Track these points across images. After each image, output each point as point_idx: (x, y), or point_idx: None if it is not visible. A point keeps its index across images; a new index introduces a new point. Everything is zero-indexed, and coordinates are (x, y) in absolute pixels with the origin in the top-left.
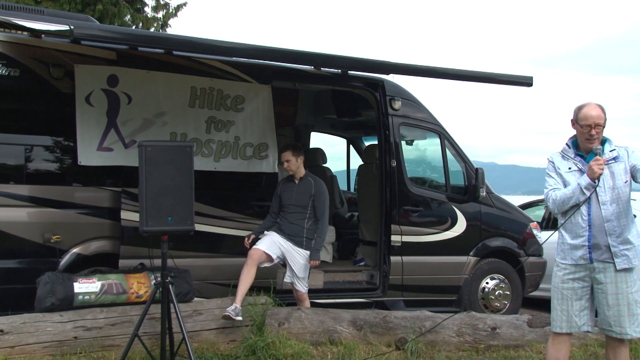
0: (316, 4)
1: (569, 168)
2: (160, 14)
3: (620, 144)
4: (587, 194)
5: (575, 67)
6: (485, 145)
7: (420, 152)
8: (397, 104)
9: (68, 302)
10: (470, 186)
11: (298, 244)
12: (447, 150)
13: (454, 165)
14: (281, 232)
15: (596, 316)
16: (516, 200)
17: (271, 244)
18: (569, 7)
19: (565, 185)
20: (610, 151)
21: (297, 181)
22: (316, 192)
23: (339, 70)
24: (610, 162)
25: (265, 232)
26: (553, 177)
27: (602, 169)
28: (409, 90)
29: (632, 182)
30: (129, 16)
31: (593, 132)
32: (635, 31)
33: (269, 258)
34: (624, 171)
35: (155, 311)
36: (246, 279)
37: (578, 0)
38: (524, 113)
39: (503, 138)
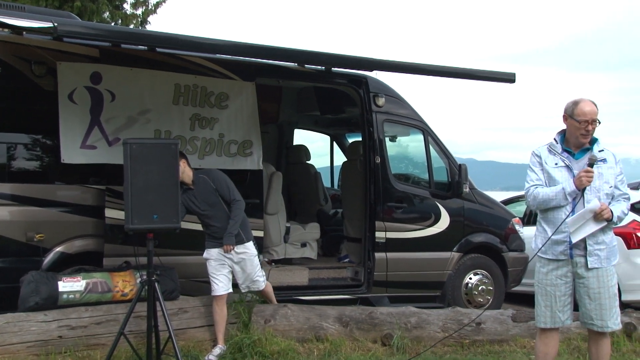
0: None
1: (556, 163)
2: (139, 11)
3: (604, 146)
4: (570, 200)
5: (551, 63)
6: (465, 142)
7: (404, 148)
8: (381, 101)
9: (52, 301)
10: (453, 182)
11: (238, 242)
12: (430, 146)
13: (437, 161)
14: (214, 241)
15: (576, 310)
16: (494, 196)
17: (224, 277)
18: (543, 3)
19: (549, 181)
20: (600, 151)
21: (192, 186)
22: (215, 182)
23: (323, 67)
24: (599, 162)
25: (207, 256)
26: (536, 172)
27: (591, 182)
28: (392, 87)
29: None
30: (107, 13)
31: (590, 127)
32: (610, 28)
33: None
34: (613, 176)
35: (140, 309)
36: (221, 318)
37: None
38: (502, 110)
39: (481, 134)
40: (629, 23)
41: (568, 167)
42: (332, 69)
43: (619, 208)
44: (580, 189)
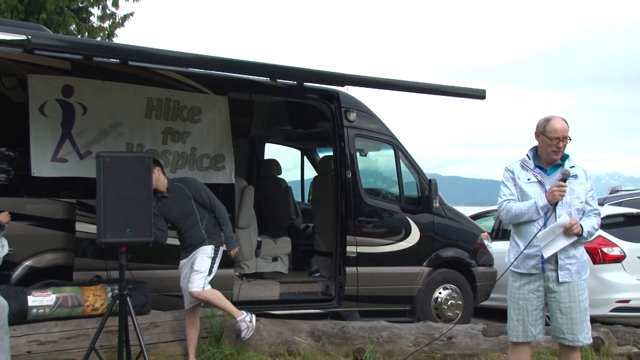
0: (264, 15)
1: (528, 179)
2: (106, 24)
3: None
4: (542, 214)
5: (511, 80)
6: (429, 156)
7: (375, 163)
8: (352, 116)
9: (22, 316)
10: (423, 197)
11: (202, 242)
12: (400, 161)
13: (408, 176)
14: (185, 251)
15: (547, 324)
16: (460, 211)
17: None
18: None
19: (521, 196)
20: (571, 167)
21: (167, 194)
22: (191, 190)
23: (295, 82)
24: (570, 178)
25: (180, 267)
26: (508, 187)
27: (563, 196)
28: (363, 102)
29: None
30: (74, 25)
31: (561, 144)
32: (570, 45)
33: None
34: (584, 192)
35: (111, 324)
36: (192, 331)
37: (512, 12)
38: (464, 125)
39: (445, 150)
40: (592, 41)
41: (540, 183)
42: (304, 83)
43: (589, 223)
44: (553, 204)
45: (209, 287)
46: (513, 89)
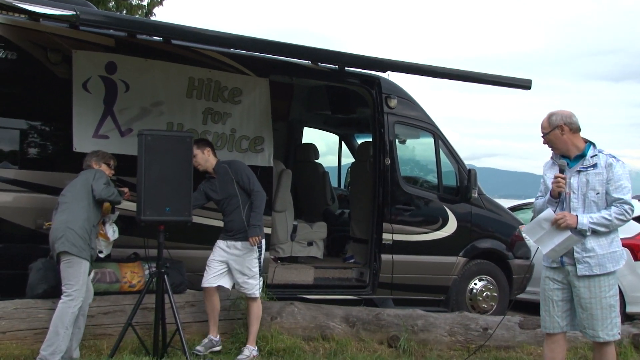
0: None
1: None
2: (145, 2)
3: (609, 151)
4: (550, 208)
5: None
6: (464, 148)
7: (414, 151)
8: (393, 102)
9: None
10: (462, 187)
11: (241, 239)
12: (440, 150)
13: (447, 165)
14: (225, 234)
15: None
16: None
17: (214, 270)
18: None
19: (546, 191)
20: (592, 157)
21: (214, 175)
22: (235, 173)
23: (336, 67)
24: (589, 169)
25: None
26: (540, 184)
27: (563, 187)
28: (404, 89)
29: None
30: (113, 2)
31: (543, 139)
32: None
33: (223, 286)
34: (600, 183)
35: (147, 301)
36: (210, 309)
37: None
38: (499, 118)
39: (481, 141)
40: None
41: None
42: (346, 68)
43: (596, 215)
44: (556, 197)
45: (261, 290)
46: (555, 80)
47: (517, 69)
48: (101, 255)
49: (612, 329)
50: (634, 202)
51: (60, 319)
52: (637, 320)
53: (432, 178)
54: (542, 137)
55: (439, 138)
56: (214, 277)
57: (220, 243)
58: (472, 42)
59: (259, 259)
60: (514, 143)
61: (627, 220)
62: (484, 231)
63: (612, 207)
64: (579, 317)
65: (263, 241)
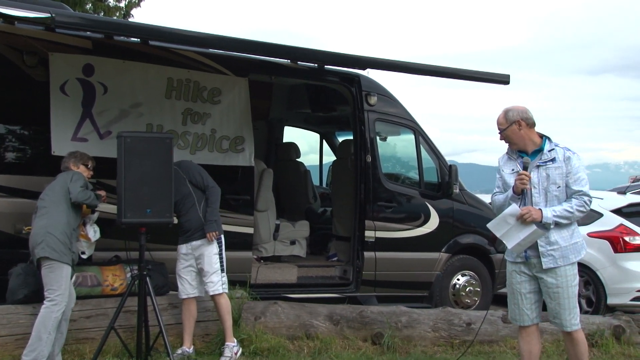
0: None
1: (512, 169)
2: (122, 3)
3: (564, 144)
4: (513, 204)
5: (528, 66)
6: (445, 143)
7: (395, 147)
8: (373, 100)
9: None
10: (443, 183)
11: (200, 237)
12: (421, 146)
13: (428, 161)
14: (183, 236)
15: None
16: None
17: (186, 282)
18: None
19: (504, 187)
20: (549, 151)
21: None
22: (186, 172)
23: (315, 65)
24: (547, 163)
25: (178, 252)
26: (497, 180)
27: (527, 184)
28: (384, 86)
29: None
30: (90, 4)
31: (500, 135)
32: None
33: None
34: (560, 176)
35: (130, 304)
36: (186, 318)
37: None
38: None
39: (462, 137)
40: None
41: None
42: (325, 66)
43: (559, 208)
44: (518, 194)
45: (226, 286)
46: (531, 75)
47: (498, 64)
48: (84, 256)
49: (576, 319)
50: (612, 194)
51: (43, 324)
52: (618, 312)
53: (414, 174)
54: (499, 133)
55: (420, 134)
56: (190, 287)
57: (181, 249)
58: (452, 39)
59: (220, 254)
60: (494, 138)
61: (587, 212)
62: (466, 227)
63: (573, 199)
64: (548, 307)
65: (222, 236)
